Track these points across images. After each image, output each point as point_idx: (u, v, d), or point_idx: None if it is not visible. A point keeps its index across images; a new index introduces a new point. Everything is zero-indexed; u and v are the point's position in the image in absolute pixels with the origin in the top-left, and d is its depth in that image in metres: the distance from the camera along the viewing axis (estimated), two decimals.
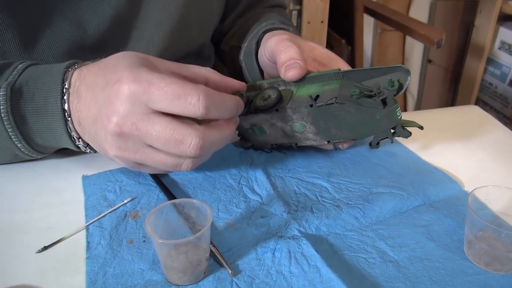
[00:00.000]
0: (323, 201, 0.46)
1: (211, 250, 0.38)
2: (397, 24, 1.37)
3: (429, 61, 1.86)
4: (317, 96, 0.46)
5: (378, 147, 0.49)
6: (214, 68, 0.74)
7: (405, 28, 1.33)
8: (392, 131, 0.47)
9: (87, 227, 0.42)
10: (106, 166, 0.52)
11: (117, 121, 0.38)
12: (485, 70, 1.70)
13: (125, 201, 0.46)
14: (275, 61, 0.50)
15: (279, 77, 0.49)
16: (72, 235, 0.42)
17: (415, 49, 1.83)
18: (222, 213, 0.45)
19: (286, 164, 0.53)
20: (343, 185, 0.49)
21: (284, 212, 0.44)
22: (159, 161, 0.41)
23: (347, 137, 0.49)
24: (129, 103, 0.38)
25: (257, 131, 0.51)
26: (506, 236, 0.38)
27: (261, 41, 0.58)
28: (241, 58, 0.62)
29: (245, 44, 0.62)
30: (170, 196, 0.46)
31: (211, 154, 0.44)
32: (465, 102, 1.75)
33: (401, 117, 0.45)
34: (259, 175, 0.50)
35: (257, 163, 0.52)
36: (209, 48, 0.72)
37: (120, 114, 0.38)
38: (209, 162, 0.53)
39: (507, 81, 1.63)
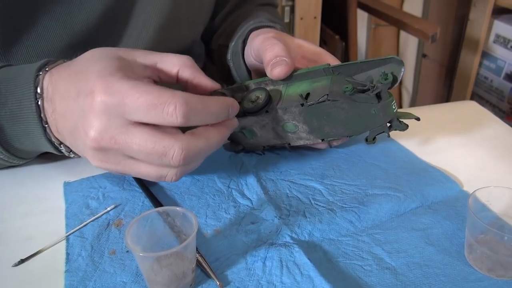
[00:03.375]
0: (316, 204, 0.44)
1: (197, 260, 0.36)
2: (391, 18, 1.35)
3: (424, 55, 1.85)
4: (308, 94, 0.44)
5: (375, 142, 0.47)
6: (204, 67, 0.72)
7: (399, 22, 1.31)
8: (388, 124, 0.45)
9: (67, 238, 0.40)
10: (89, 172, 0.49)
11: (94, 136, 0.36)
12: (480, 64, 1.68)
13: (108, 209, 0.43)
14: (262, 61, 0.48)
15: (266, 76, 0.47)
16: (51, 246, 0.39)
17: (409, 44, 1.82)
18: (210, 220, 0.42)
19: (278, 166, 0.51)
20: (337, 187, 0.47)
21: (276, 217, 0.42)
22: (142, 173, 0.39)
23: (342, 134, 0.47)
24: (104, 117, 0.35)
25: (247, 134, 0.49)
26: (509, 240, 0.36)
27: (247, 40, 0.55)
28: (229, 58, 0.60)
29: (233, 43, 0.60)
30: (156, 202, 0.44)
31: (200, 163, 0.42)
32: (461, 96, 1.73)
33: (396, 110, 0.43)
34: (250, 178, 0.48)
35: (247, 166, 0.50)
36: (200, 46, 0.70)
37: (97, 129, 0.36)
38: None
39: (503, 74, 1.61)
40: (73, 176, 0.49)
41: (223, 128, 0.40)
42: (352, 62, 0.44)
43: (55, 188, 0.47)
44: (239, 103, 0.46)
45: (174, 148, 0.36)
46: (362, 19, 1.71)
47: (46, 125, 0.41)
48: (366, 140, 0.47)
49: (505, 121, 0.61)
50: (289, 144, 0.49)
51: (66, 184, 0.47)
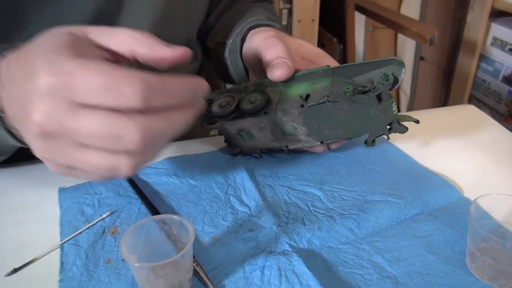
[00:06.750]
0: (315, 211, 0.43)
1: (195, 269, 0.35)
2: (388, 21, 1.34)
3: (422, 58, 1.84)
4: (308, 96, 0.43)
5: (374, 144, 0.47)
6: (201, 66, 0.71)
7: (397, 25, 1.31)
8: (388, 127, 0.44)
9: (61, 246, 0.39)
10: None
11: (38, 121, 0.31)
12: (478, 66, 1.68)
13: (104, 216, 0.43)
14: (260, 59, 0.47)
15: (265, 77, 0.46)
16: (45, 255, 0.39)
17: (407, 47, 1.81)
18: (207, 227, 0.42)
19: (276, 172, 0.50)
20: (336, 193, 0.46)
21: (274, 224, 0.41)
22: (92, 164, 0.33)
23: (341, 136, 0.46)
24: (49, 100, 0.31)
25: (245, 136, 0.48)
26: (511, 248, 0.35)
27: (246, 38, 0.55)
28: (226, 55, 0.59)
29: (230, 41, 0.59)
30: (152, 209, 0.43)
31: (159, 151, 0.35)
32: (459, 99, 1.73)
33: (396, 112, 0.43)
34: (247, 184, 0.47)
35: (245, 171, 0.49)
36: (196, 44, 0.69)
37: (42, 113, 0.31)
38: (194, 170, 0.50)
39: (500, 77, 1.61)
40: (68, 182, 0.48)
41: (188, 108, 0.34)
42: (352, 63, 0.43)
43: (49, 194, 0.46)
44: (238, 104, 0.45)
45: (131, 129, 0.31)
46: (359, 21, 1.71)
47: (2, 114, 0.37)
48: (366, 142, 0.47)
49: (502, 124, 0.61)
50: (287, 146, 0.49)
51: (61, 190, 0.47)
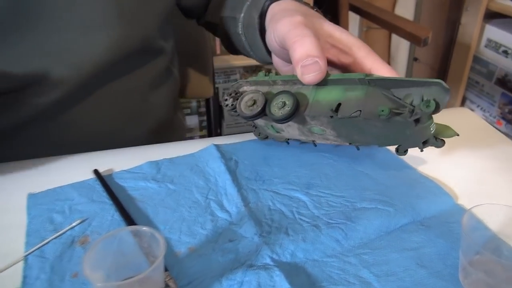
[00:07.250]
0: (300, 219, 0.41)
1: (168, 285, 0.33)
2: (383, 22, 1.32)
3: (415, 59, 1.83)
4: (339, 105, 0.40)
5: (406, 154, 0.45)
6: (171, 61, 0.65)
7: (391, 26, 1.28)
8: (423, 140, 0.41)
9: (25, 258, 0.36)
10: (58, 182, 0.46)
11: None
12: (472, 68, 1.67)
13: (74, 224, 0.40)
14: (287, 49, 0.42)
15: (294, 74, 0.42)
16: (8, 268, 0.36)
17: (400, 47, 1.80)
18: (184, 236, 0.39)
19: (261, 174, 0.47)
20: (323, 198, 0.44)
21: (256, 234, 0.38)
22: None
23: (372, 143, 0.45)
24: None
25: (272, 129, 0.48)
26: (507, 259, 0.33)
27: (265, 14, 0.50)
28: (240, 32, 0.54)
29: (242, 15, 0.54)
30: (126, 217, 0.40)
31: None
32: (452, 100, 1.72)
33: (434, 131, 0.40)
34: (230, 187, 0.45)
35: (228, 173, 0.47)
36: (164, 40, 0.63)
37: None
38: (174, 174, 0.47)
39: (494, 79, 1.60)
40: (39, 186, 0.45)
41: None
42: (393, 77, 0.39)
43: (17, 200, 0.43)
44: (264, 106, 0.44)
45: None
46: (353, 21, 1.69)
47: None
48: (397, 151, 0.45)
49: (495, 126, 0.59)
50: (314, 141, 0.48)
51: (30, 196, 0.44)
